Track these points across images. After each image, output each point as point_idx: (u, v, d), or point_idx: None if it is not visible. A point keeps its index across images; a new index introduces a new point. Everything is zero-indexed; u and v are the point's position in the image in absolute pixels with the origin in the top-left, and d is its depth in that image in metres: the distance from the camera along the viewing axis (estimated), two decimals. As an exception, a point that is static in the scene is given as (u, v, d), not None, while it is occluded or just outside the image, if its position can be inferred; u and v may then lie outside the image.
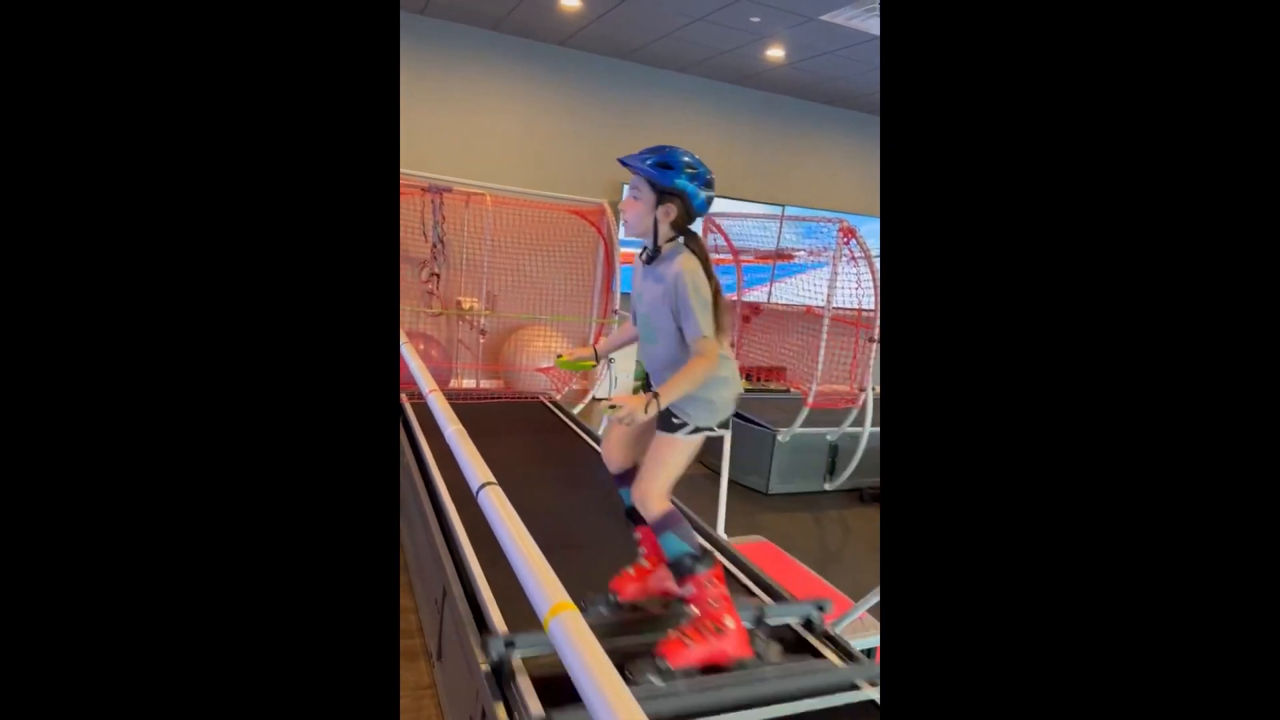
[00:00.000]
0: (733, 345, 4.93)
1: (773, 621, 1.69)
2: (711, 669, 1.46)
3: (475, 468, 1.10)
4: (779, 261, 5.04)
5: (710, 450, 4.13)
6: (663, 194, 1.43)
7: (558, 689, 1.35)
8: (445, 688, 1.81)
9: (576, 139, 5.69)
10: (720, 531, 2.46)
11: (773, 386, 5.23)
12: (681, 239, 1.48)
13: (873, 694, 1.48)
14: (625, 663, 1.41)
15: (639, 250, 1.54)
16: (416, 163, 5.08)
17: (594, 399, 4.53)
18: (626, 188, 1.51)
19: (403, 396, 3.51)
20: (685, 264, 1.43)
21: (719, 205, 5.97)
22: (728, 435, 2.73)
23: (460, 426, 1.32)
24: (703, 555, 1.51)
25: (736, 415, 4.23)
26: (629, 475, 1.62)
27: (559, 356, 1.74)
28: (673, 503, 1.54)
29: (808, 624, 1.73)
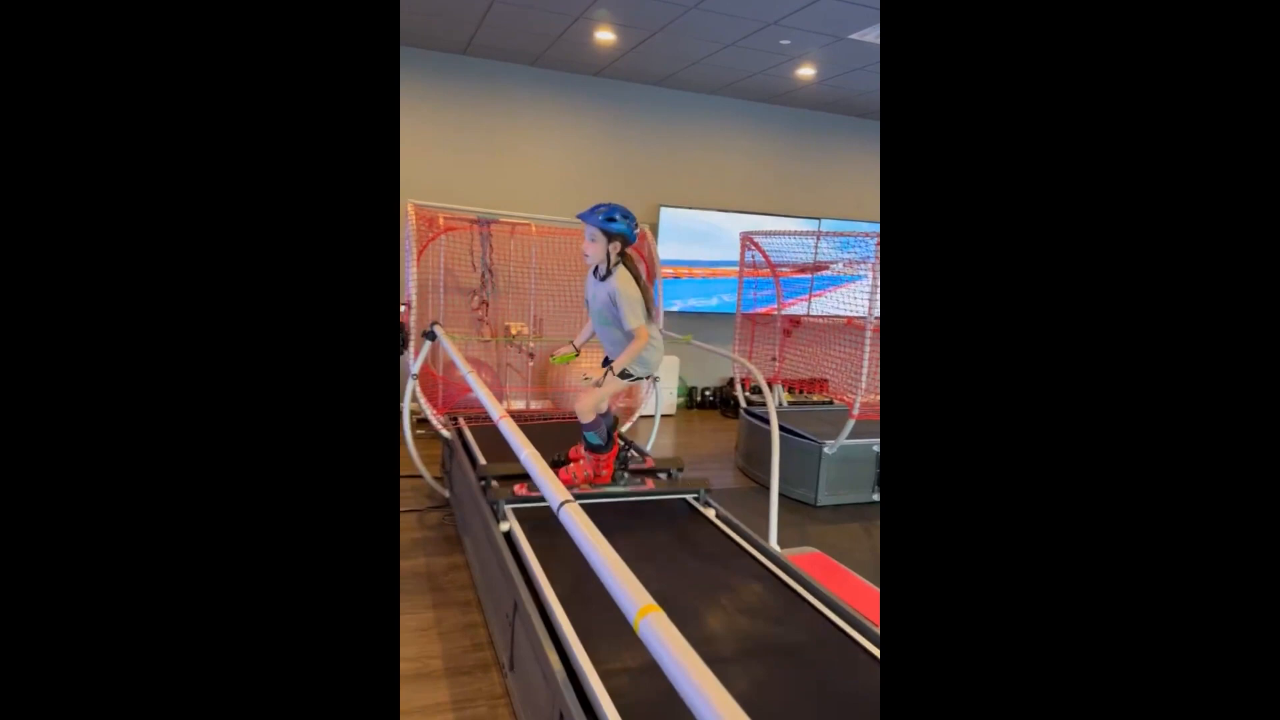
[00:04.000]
0: (774, 360, 5.01)
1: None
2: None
3: (553, 487, 1.22)
4: (816, 273, 5.11)
5: (759, 463, 4.19)
6: (610, 236, 2.29)
7: (632, 691, 1.47)
8: (520, 696, 1.93)
9: (616, 164, 5.86)
10: (773, 543, 2.53)
11: (815, 398, 5.27)
12: (621, 260, 2.35)
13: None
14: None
15: (593, 269, 2.41)
16: (465, 198, 5.31)
17: (641, 417, 4.63)
18: (585, 233, 2.32)
19: (460, 420, 3.68)
20: (620, 279, 2.30)
21: (757, 223, 6.06)
22: (775, 453, 2.83)
23: (534, 450, 1.45)
24: (606, 443, 2.55)
25: (783, 429, 4.29)
26: (592, 425, 2.54)
27: (552, 355, 2.77)
28: (599, 415, 2.51)
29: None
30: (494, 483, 2.62)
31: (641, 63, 5.12)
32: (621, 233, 2.27)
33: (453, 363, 4.69)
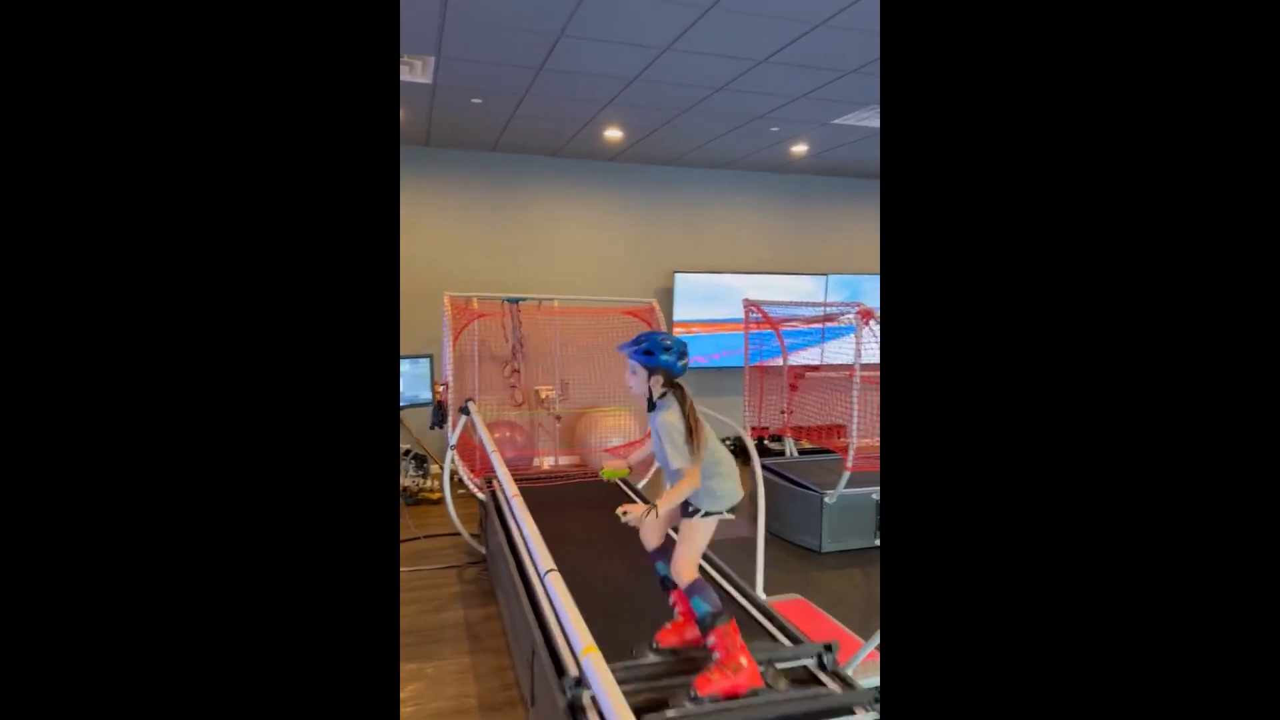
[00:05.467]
0: (782, 412, 5.39)
1: (782, 664, 2.15)
2: (731, 697, 1.94)
3: (541, 557, 1.65)
4: (828, 324, 5.49)
5: (769, 512, 4.53)
6: (651, 370, 2.04)
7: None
8: (539, 727, 2.33)
9: (632, 237, 6.40)
10: (759, 591, 2.90)
11: (805, 446, 5.55)
12: (670, 392, 2.07)
13: (867, 717, 1.91)
14: (668, 694, 1.93)
15: (643, 397, 2.12)
16: (498, 281, 5.91)
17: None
18: (629, 368, 2.10)
19: (495, 484, 4.15)
20: (666, 418, 2.00)
21: (767, 282, 6.42)
22: (760, 505, 3.20)
23: (534, 527, 1.88)
24: (721, 611, 2.01)
25: (788, 479, 4.65)
26: (660, 551, 2.18)
27: (602, 468, 2.38)
28: (700, 571, 2.06)
29: (819, 664, 2.18)
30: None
31: (649, 151, 5.68)
32: (665, 367, 2.03)
33: (487, 428, 5.20)
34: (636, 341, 2.07)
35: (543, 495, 4.10)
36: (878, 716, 1.91)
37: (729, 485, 2.07)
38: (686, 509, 2.05)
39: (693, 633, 2.16)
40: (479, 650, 3.05)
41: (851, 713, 1.93)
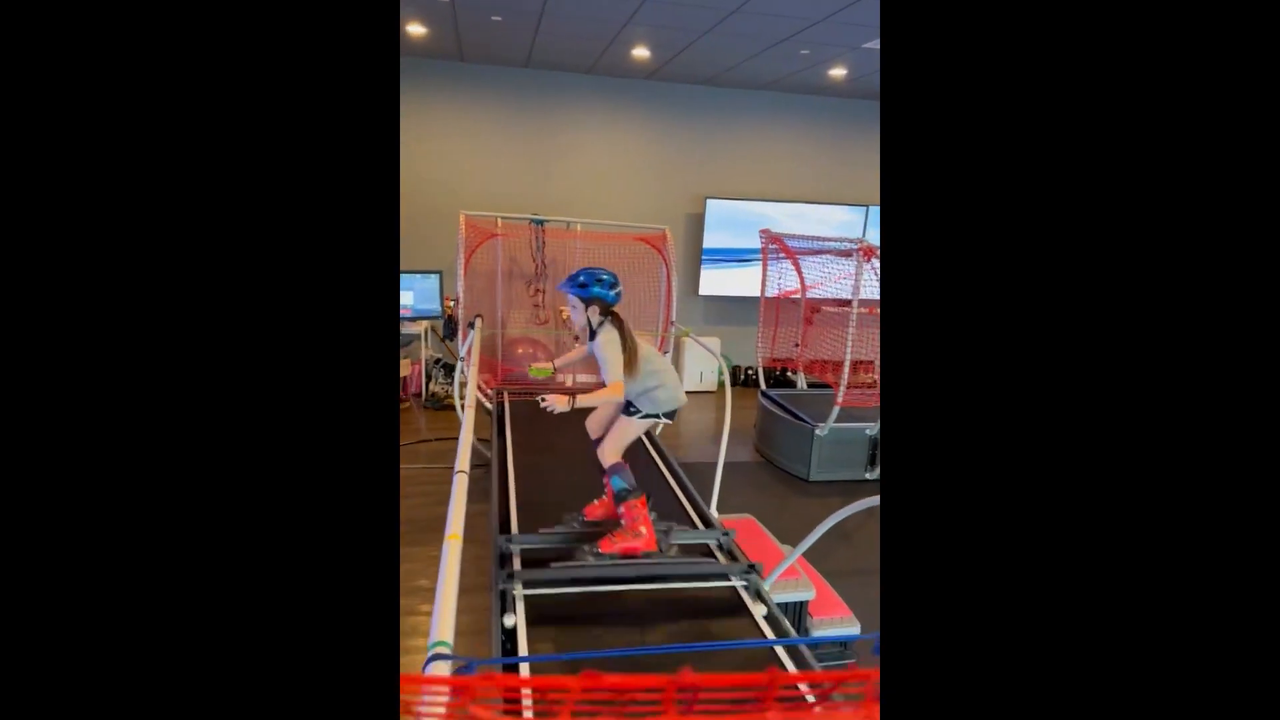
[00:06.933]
0: (796, 345, 5.43)
1: (681, 540, 2.51)
2: (628, 557, 2.30)
3: (461, 457, 1.88)
4: (868, 258, 5.42)
5: (768, 441, 4.69)
6: (587, 301, 2.35)
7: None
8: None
9: (663, 161, 6.37)
10: (712, 509, 3.10)
11: (815, 380, 5.59)
12: (607, 320, 2.37)
13: (739, 582, 2.21)
14: (575, 549, 2.32)
15: (580, 329, 2.45)
16: (528, 200, 6.04)
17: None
18: (568, 303, 2.40)
19: (505, 395, 4.45)
20: (603, 338, 2.32)
21: (802, 211, 6.29)
22: (725, 429, 3.36)
23: (470, 432, 2.11)
24: (634, 489, 2.38)
25: (783, 409, 4.76)
26: (602, 441, 2.55)
27: (530, 367, 2.71)
28: (622, 458, 2.46)
29: (719, 545, 2.54)
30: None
31: (681, 70, 5.57)
32: (598, 297, 2.32)
33: (510, 343, 5.47)
34: (572, 278, 2.35)
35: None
36: (749, 584, 2.22)
37: (667, 395, 2.42)
38: (628, 409, 2.43)
39: (611, 508, 2.55)
40: (466, 541, 3.39)
41: (726, 579, 2.24)
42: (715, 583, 2.27)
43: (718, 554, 2.48)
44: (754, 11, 3.93)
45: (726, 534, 2.56)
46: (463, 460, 1.96)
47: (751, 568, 2.28)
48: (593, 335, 2.38)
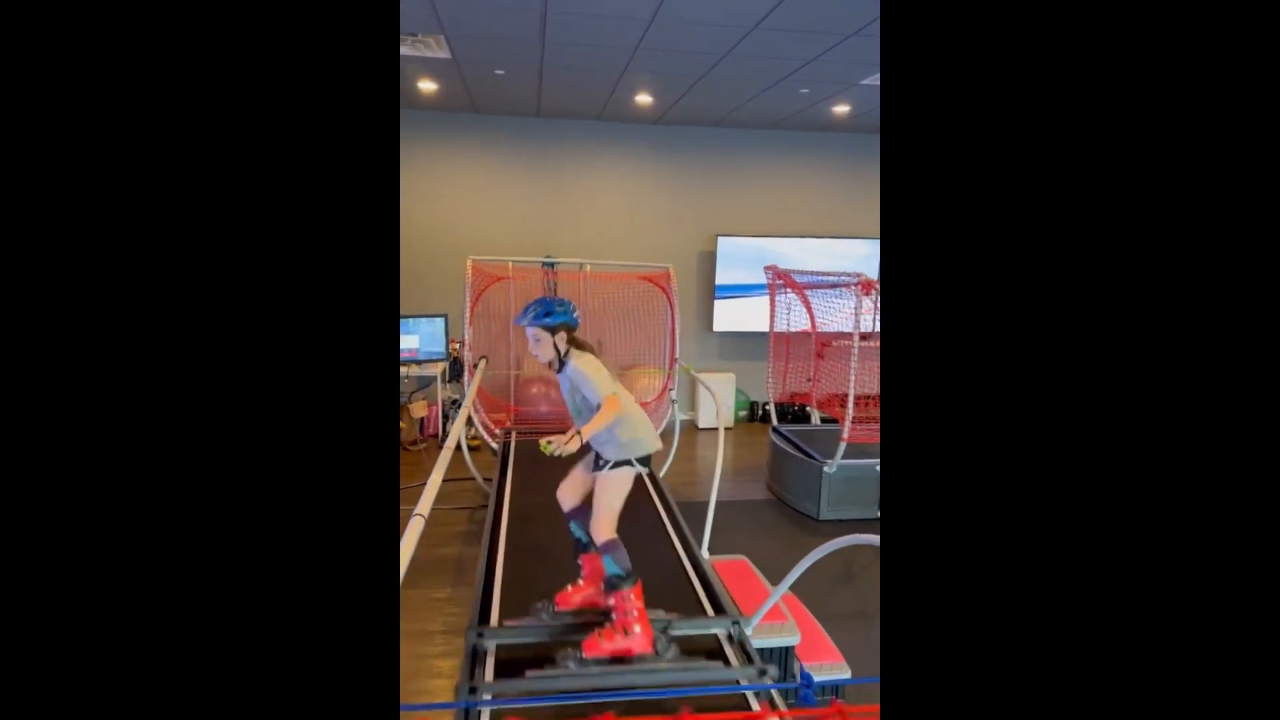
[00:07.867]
0: (808, 380, 5.36)
1: (678, 632, 2.19)
2: (619, 660, 2.03)
3: (424, 500, 1.90)
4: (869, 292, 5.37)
5: (778, 478, 4.62)
6: (553, 330, 2.11)
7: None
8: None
9: (674, 201, 6.45)
10: (704, 551, 3.05)
11: (827, 416, 5.48)
12: (573, 347, 2.15)
13: (748, 686, 1.95)
14: (555, 652, 1.99)
15: (549, 363, 2.19)
16: (540, 245, 6.17)
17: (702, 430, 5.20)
18: (528, 335, 2.14)
19: (512, 435, 4.49)
20: (579, 362, 2.10)
21: (812, 246, 6.29)
22: (718, 467, 3.31)
23: (438, 475, 2.13)
24: (629, 574, 2.05)
25: (794, 446, 4.69)
26: (577, 512, 2.28)
27: (541, 443, 2.22)
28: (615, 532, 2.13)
29: (729, 637, 2.22)
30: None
31: (687, 113, 5.68)
32: (562, 322, 2.13)
33: (524, 383, 5.53)
34: (525, 312, 2.14)
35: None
36: (764, 678, 1.97)
37: (638, 436, 2.13)
38: (597, 462, 2.12)
39: (591, 596, 2.27)
40: (461, 584, 3.41)
41: (737, 684, 1.96)
42: (723, 688, 1.93)
43: (727, 649, 2.16)
44: (745, 54, 4.01)
45: (737, 622, 2.23)
46: (424, 504, 1.98)
47: (763, 672, 2.00)
48: (562, 365, 2.15)
